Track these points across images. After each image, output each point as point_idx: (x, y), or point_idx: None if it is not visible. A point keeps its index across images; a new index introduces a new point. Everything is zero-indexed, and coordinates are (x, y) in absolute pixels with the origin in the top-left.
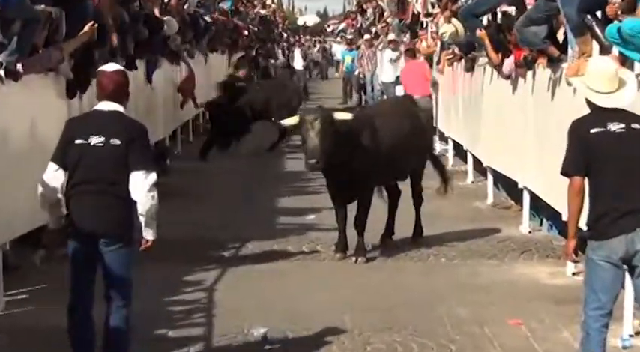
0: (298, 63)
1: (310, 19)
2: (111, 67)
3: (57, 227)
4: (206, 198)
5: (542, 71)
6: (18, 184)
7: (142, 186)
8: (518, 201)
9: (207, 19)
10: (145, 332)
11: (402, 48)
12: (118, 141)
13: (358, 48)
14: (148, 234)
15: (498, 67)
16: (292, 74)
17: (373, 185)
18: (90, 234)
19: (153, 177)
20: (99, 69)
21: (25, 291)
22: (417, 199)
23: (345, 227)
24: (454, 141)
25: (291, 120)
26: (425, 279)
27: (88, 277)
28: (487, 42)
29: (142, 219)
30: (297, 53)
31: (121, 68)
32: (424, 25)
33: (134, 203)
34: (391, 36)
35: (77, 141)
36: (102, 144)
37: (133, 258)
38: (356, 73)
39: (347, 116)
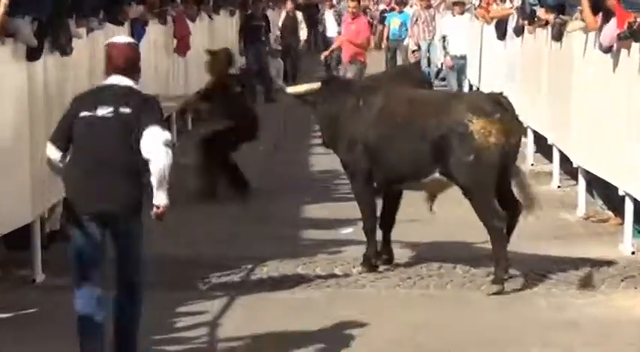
0: (332, 29)
1: None
2: (121, 38)
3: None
4: (212, 205)
5: None
6: None
7: (158, 138)
8: (619, 212)
9: None
10: None
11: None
12: (128, 110)
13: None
14: (160, 199)
15: (597, 35)
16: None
17: None
18: (100, 213)
19: (168, 135)
20: (108, 41)
21: None
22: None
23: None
24: (535, 133)
25: (301, 88)
26: (494, 314)
27: (97, 260)
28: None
29: (153, 181)
30: (328, 16)
31: (132, 40)
32: None
33: (144, 178)
34: None
35: (82, 114)
36: (110, 115)
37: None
38: (405, 42)
39: None
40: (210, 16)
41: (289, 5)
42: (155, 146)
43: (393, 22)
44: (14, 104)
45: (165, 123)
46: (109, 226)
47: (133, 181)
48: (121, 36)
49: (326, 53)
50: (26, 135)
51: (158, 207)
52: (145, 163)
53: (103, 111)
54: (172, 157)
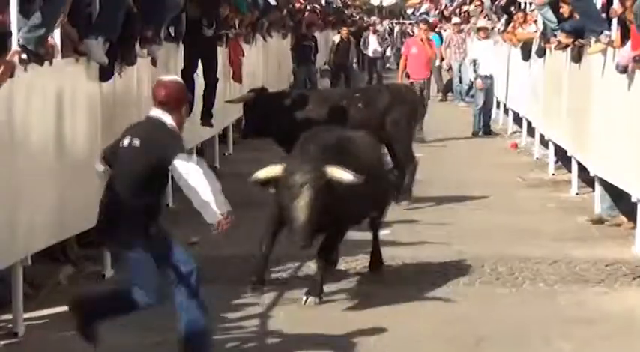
0: (375, 50)
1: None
2: (168, 76)
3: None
4: (262, 208)
5: None
6: (39, 190)
7: (180, 169)
8: (632, 216)
9: None
10: None
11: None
12: (137, 142)
13: (438, 32)
14: (210, 218)
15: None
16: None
17: None
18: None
19: (191, 163)
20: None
21: (47, 315)
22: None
23: None
24: (556, 145)
25: (264, 173)
26: (519, 309)
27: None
28: None
29: (203, 207)
30: (372, 39)
31: (177, 78)
32: (521, 7)
33: (149, 212)
34: (481, 22)
35: (120, 144)
36: (126, 146)
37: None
38: (437, 63)
39: (348, 176)
40: (264, 38)
41: (344, 31)
42: (177, 175)
43: None
44: (88, 115)
45: (188, 154)
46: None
47: (128, 221)
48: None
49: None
50: (98, 142)
51: (214, 225)
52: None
53: (126, 141)
54: (210, 176)
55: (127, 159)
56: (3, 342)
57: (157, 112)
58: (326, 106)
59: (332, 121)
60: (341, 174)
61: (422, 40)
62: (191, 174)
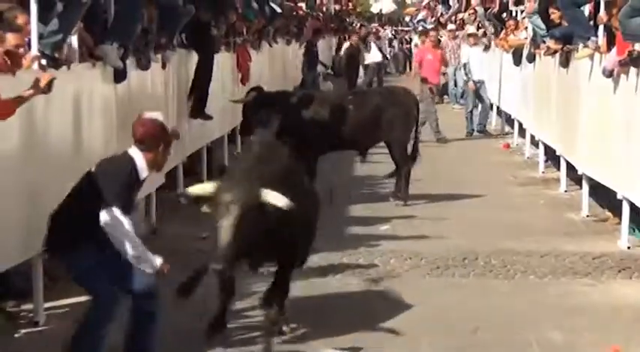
0: (375, 56)
1: (386, 6)
2: (149, 114)
3: None
4: None
5: None
6: (58, 188)
7: (102, 220)
8: (617, 213)
9: (275, 6)
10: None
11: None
12: (93, 168)
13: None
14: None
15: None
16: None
17: None
18: None
19: (107, 215)
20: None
21: (66, 305)
22: None
23: None
24: (545, 145)
25: (199, 189)
26: (512, 299)
27: None
28: None
29: (137, 259)
30: (373, 46)
31: (157, 117)
32: (513, 14)
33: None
34: (471, 29)
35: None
36: (92, 168)
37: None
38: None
39: (282, 201)
40: (270, 44)
41: (354, 38)
42: (104, 222)
43: None
44: (104, 117)
45: (114, 189)
46: None
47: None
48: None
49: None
50: (114, 142)
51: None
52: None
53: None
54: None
55: (84, 176)
56: (24, 331)
57: (133, 151)
58: (326, 106)
59: (329, 120)
60: (276, 198)
61: (434, 47)
62: (117, 228)
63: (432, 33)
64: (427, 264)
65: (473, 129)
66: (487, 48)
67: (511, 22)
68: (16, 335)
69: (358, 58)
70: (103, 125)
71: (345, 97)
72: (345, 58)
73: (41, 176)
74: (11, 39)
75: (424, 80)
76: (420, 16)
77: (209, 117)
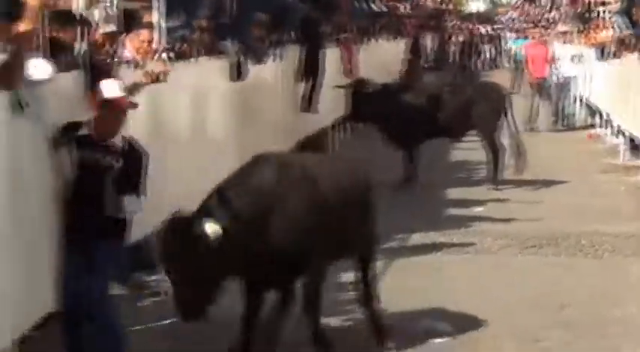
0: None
1: (482, 5)
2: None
3: None
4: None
5: None
6: (186, 171)
7: None
8: None
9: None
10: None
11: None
12: None
13: (525, 36)
14: None
15: None
16: None
17: None
18: None
19: None
20: None
21: None
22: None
23: None
24: (628, 136)
25: None
26: (599, 278)
27: None
28: None
29: None
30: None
31: None
32: (597, 14)
33: None
34: (562, 27)
35: None
36: None
37: None
38: None
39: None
40: (375, 40)
41: (467, 34)
42: None
43: (516, 46)
44: (222, 108)
45: None
46: None
47: None
48: None
49: None
50: (232, 129)
51: None
52: None
53: None
54: None
55: None
56: (152, 300)
57: None
58: (424, 95)
59: (426, 108)
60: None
61: (540, 44)
62: None
63: (535, 30)
64: (519, 243)
65: (562, 120)
66: (575, 45)
67: (597, 20)
68: (139, 305)
69: (471, 52)
70: (222, 115)
71: (442, 88)
72: (459, 53)
73: (169, 160)
74: (144, 34)
75: (530, 74)
76: (511, 15)
77: (316, 112)
